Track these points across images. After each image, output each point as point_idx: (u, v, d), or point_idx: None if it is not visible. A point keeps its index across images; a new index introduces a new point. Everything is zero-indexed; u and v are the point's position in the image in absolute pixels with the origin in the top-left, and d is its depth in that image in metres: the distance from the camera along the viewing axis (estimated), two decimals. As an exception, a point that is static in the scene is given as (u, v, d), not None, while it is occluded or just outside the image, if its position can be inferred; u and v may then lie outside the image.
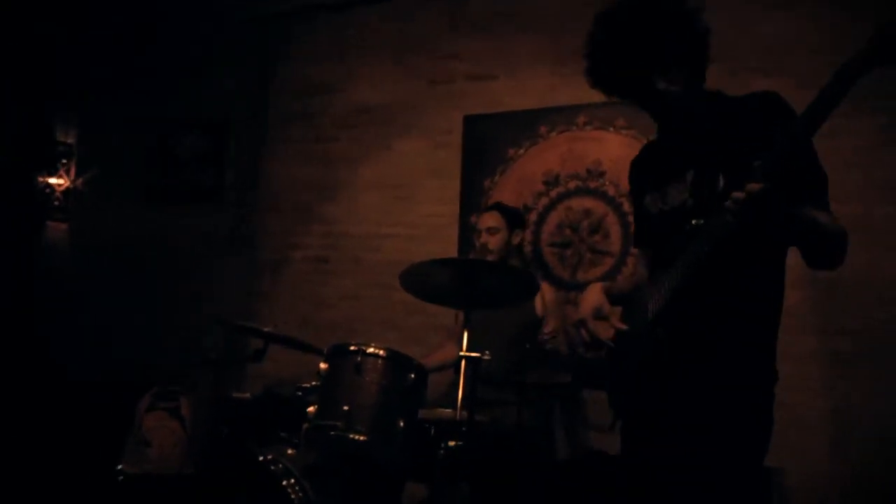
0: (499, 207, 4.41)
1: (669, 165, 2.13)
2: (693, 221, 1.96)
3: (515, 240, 4.35)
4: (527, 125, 5.14)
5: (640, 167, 2.34)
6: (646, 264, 2.35)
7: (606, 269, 4.83)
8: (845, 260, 2.00)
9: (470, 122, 5.31)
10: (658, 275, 2.10)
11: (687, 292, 1.99)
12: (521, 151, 5.06)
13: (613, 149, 4.87)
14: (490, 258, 4.12)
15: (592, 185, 4.91)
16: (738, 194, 1.71)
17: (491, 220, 4.36)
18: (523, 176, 5.10)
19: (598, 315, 2.22)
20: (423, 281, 3.20)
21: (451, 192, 5.27)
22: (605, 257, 4.82)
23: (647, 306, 2.09)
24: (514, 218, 4.43)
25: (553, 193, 4.99)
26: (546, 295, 4.21)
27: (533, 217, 5.04)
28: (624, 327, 2.14)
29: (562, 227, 4.98)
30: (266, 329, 3.85)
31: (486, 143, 5.16)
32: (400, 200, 5.37)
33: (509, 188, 5.12)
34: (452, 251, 5.17)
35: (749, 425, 1.94)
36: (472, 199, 5.25)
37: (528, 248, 5.00)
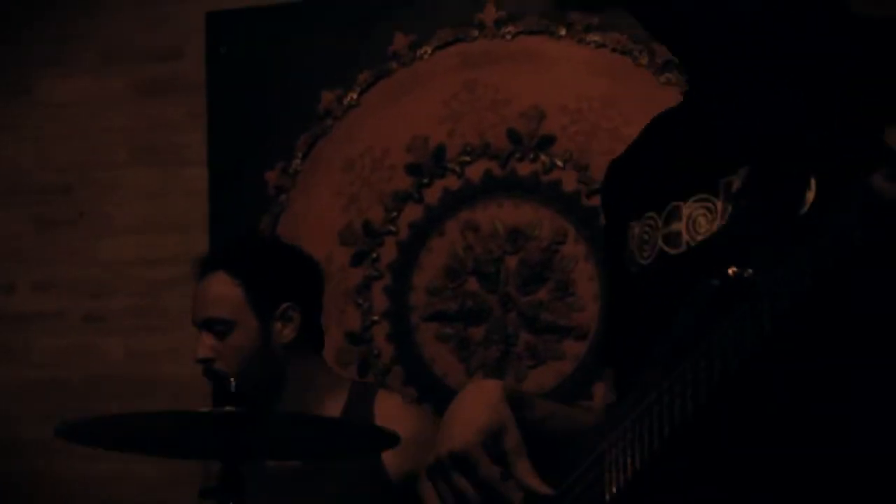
0: (228, 262, 2.54)
1: (697, 161, 1.41)
2: (732, 271, 1.25)
3: (284, 331, 2.51)
4: (360, 32, 3.33)
5: (631, 169, 1.56)
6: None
7: (567, 369, 3.17)
8: None
9: (219, 26, 3.44)
10: (634, 396, 1.40)
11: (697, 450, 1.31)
12: (354, 97, 3.26)
13: (573, 81, 3.20)
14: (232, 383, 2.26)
15: (525, 169, 3.19)
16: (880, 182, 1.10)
17: (210, 296, 2.53)
18: (360, 155, 3.31)
19: (490, 446, 1.48)
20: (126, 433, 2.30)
21: (184, 203, 3.43)
22: (564, 342, 3.15)
23: (600, 470, 1.43)
24: (266, 279, 2.54)
25: (432, 194, 3.26)
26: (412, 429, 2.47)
27: (388, 254, 3.28)
28: (543, 491, 1.49)
29: (458, 275, 3.20)
30: None
31: (266, 80, 3.43)
32: (56, 226, 3.52)
33: (328, 185, 3.31)
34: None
35: None
36: (235, 218, 3.40)
37: (378, 329, 3.34)
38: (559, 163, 3.06)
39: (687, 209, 1.39)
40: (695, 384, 1.25)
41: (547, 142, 3.07)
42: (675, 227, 1.40)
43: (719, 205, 1.39)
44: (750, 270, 1.25)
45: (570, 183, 3.06)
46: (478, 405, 1.57)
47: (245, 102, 3.36)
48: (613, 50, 3.03)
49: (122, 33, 3.45)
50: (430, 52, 3.16)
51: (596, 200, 3.06)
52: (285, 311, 2.47)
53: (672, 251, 1.39)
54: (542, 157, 3.08)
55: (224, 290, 2.50)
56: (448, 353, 3.13)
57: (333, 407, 2.51)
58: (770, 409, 1.30)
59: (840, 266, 1.15)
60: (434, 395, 3.12)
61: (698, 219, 1.39)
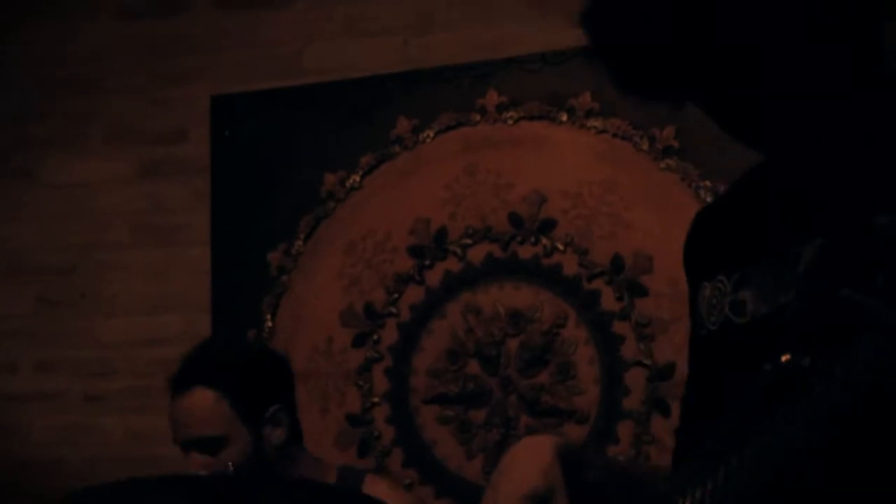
0: (206, 375, 2.40)
1: (771, 225, 1.32)
2: (786, 358, 1.08)
3: (275, 434, 2.42)
4: (364, 116, 3.29)
5: (711, 225, 1.48)
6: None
7: None
8: None
9: (224, 109, 3.41)
10: (680, 481, 1.17)
11: None
12: (356, 180, 3.24)
13: (574, 166, 3.20)
14: None
15: (526, 252, 3.14)
16: None
17: (195, 414, 2.38)
18: (362, 237, 3.29)
19: None
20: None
21: (187, 283, 3.37)
22: (565, 426, 3.13)
23: None
24: (251, 387, 2.43)
25: (434, 277, 3.22)
26: None
27: (389, 336, 3.24)
28: None
29: (459, 358, 3.14)
30: None
31: (270, 162, 3.40)
32: (58, 306, 3.47)
33: (330, 267, 3.27)
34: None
35: None
36: (238, 299, 3.36)
37: (379, 411, 3.29)
38: (560, 246, 2.99)
39: (755, 277, 1.31)
40: (734, 486, 1.13)
41: (548, 226, 3.01)
42: (741, 294, 1.31)
43: (783, 276, 1.27)
44: (808, 359, 1.11)
45: (570, 266, 3.00)
46: (527, 465, 1.40)
47: (248, 184, 3.31)
48: (614, 135, 3.00)
49: (127, 115, 3.40)
50: (432, 136, 3.11)
51: (596, 284, 3.05)
52: (274, 415, 2.41)
53: (737, 320, 1.31)
54: (544, 241, 3.01)
55: (210, 406, 2.40)
56: (449, 435, 3.05)
57: None
58: None
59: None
60: (435, 478, 3.05)
61: (766, 289, 1.30)
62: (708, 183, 2.89)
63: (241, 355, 2.61)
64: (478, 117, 3.08)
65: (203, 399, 2.35)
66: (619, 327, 2.88)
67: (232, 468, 2.22)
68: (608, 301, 2.87)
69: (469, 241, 3.08)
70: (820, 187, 1.25)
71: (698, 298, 1.38)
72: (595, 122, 3.08)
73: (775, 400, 1.08)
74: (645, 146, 2.89)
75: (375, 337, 3.11)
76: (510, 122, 3.15)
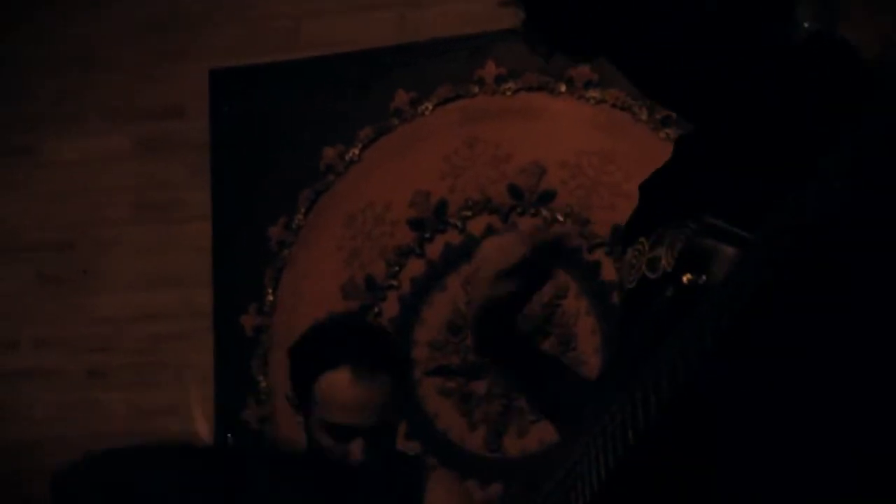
0: (390, 365, 2.38)
1: (683, 190, 1.40)
2: (687, 278, 1.25)
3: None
4: (362, 89, 3.31)
5: (638, 209, 1.53)
6: None
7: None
8: None
9: (222, 84, 3.43)
10: (593, 412, 1.36)
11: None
12: (356, 153, 3.24)
13: (573, 137, 3.21)
14: None
15: (526, 223, 3.16)
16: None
17: (374, 398, 2.36)
18: (362, 210, 3.31)
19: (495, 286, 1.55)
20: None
21: (187, 259, 3.40)
22: None
23: (568, 485, 1.39)
24: (406, 379, 2.54)
25: (434, 249, 3.23)
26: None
27: (390, 309, 3.26)
28: None
29: (459, 330, 3.16)
30: None
31: (268, 137, 3.40)
32: (58, 282, 3.49)
33: (330, 240, 3.28)
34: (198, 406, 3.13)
35: None
36: (239, 273, 3.36)
37: None
38: (560, 217, 3.02)
39: (669, 236, 1.37)
40: (643, 402, 1.24)
41: (548, 197, 3.03)
42: (657, 251, 1.38)
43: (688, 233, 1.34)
44: (704, 277, 1.26)
45: (572, 233, 3.00)
46: (498, 248, 1.62)
47: (248, 159, 3.34)
48: (613, 106, 3.01)
49: (125, 91, 3.45)
50: (430, 108, 3.13)
51: (597, 255, 3.06)
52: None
53: (651, 275, 1.38)
54: (544, 212, 3.05)
55: (390, 392, 2.39)
56: (450, 407, 3.08)
57: None
58: (713, 431, 1.25)
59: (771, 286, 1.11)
60: (438, 449, 3.07)
61: (677, 244, 1.36)
62: (707, 151, 2.90)
63: (392, 340, 2.59)
64: (476, 89, 3.09)
65: (385, 385, 2.32)
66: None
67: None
68: (609, 272, 2.87)
69: (469, 214, 3.09)
70: (723, 154, 1.31)
71: (623, 263, 1.45)
72: (594, 93, 3.09)
73: (676, 319, 1.19)
74: (644, 116, 2.90)
75: (376, 309, 3.14)
76: (508, 93, 3.16)
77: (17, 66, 3.52)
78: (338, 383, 2.31)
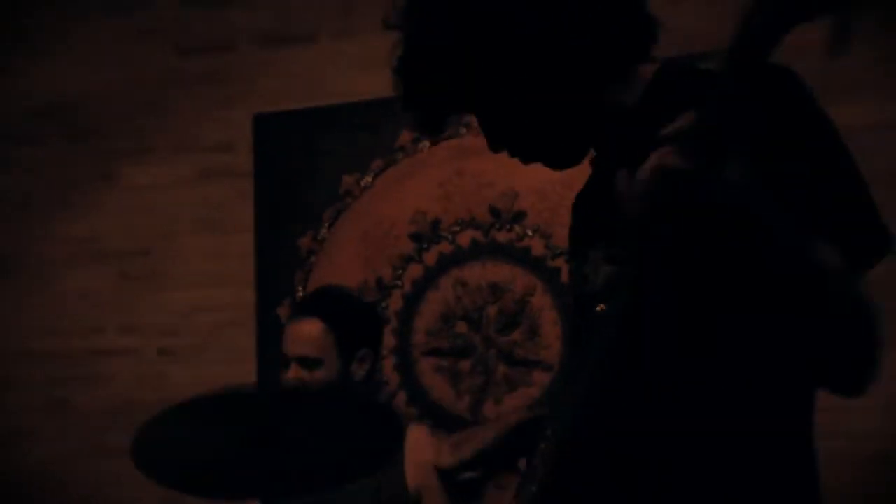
0: (322, 311, 2.59)
1: (602, 216, 1.38)
2: (600, 308, 1.31)
3: (359, 371, 2.59)
4: (374, 130, 3.40)
5: (588, 203, 1.48)
6: None
7: (535, 394, 3.18)
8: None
9: (264, 125, 3.53)
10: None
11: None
12: (369, 180, 3.38)
13: (541, 169, 2.78)
14: None
15: (503, 237, 3.27)
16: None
17: (304, 337, 2.55)
18: (373, 226, 3.43)
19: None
20: (174, 446, 1.95)
21: (236, 263, 3.51)
22: (533, 373, 3.19)
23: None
24: (351, 329, 2.60)
25: (430, 257, 3.34)
26: (419, 450, 2.49)
27: (395, 304, 3.36)
28: None
29: (449, 320, 3.30)
30: None
31: (300, 167, 3.50)
32: (136, 281, 3.62)
33: (348, 249, 3.41)
34: (245, 379, 3.28)
35: None
36: (276, 275, 3.48)
37: (386, 362, 3.33)
38: (529, 232, 3.21)
39: (592, 256, 1.43)
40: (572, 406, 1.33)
41: (520, 216, 3.22)
42: (587, 269, 1.44)
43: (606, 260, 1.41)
44: (603, 306, 1.33)
45: (538, 248, 3.20)
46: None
47: (283, 184, 3.43)
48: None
49: (188, 130, 3.56)
50: (428, 145, 3.30)
51: (558, 262, 3.18)
52: (363, 356, 2.57)
53: (587, 289, 1.43)
54: (517, 228, 3.23)
55: (318, 334, 2.54)
56: (442, 381, 3.26)
57: None
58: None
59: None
60: (431, 414, 3.27)
61: (599, 264, 1.41)
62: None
63: (351, 303, 2.73)
64: (464, 130, 3.16)
65: (314, 327, 2.51)
66: (576, 296, 2.95)
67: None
68: (566, 275, 2.63)
69: (458, 229, 3.23)
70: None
71: (569, 274, 1.53)
72: (558, 135, 3.07)
73: (594, 333, 1.25)
74: (596, 154, 2.96)
75: (384, 304, 3.29)
76: (491, 135, 3.19)
77: (104, 109, 3.69)
78: (294, 323, 2.54)
